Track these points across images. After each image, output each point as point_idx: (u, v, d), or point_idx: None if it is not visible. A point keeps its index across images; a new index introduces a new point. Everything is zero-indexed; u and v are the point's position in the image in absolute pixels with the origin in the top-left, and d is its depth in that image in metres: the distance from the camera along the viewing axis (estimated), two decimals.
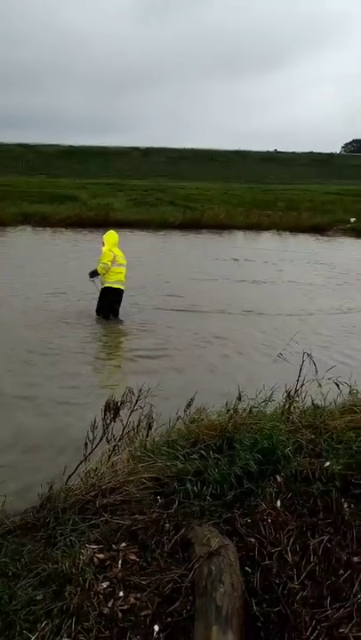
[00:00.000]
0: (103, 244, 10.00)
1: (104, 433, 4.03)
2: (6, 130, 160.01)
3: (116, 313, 10.05)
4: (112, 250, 9.85)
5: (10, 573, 2.86)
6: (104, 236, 10.19)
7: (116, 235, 10.19)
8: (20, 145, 71.50)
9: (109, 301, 9.98)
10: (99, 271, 9.89)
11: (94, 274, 10.00)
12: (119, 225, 23.68)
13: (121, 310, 10.11)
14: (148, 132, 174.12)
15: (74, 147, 73.88)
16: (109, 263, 9.77)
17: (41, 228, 23.80)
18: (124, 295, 10.04)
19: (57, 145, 73.39)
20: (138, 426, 4.27)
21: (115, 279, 9.87)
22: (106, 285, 9.95)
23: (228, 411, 4.45)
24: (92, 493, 3.49)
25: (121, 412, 4.15)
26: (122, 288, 9.98)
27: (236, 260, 17.55)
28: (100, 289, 10.01)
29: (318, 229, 26.96)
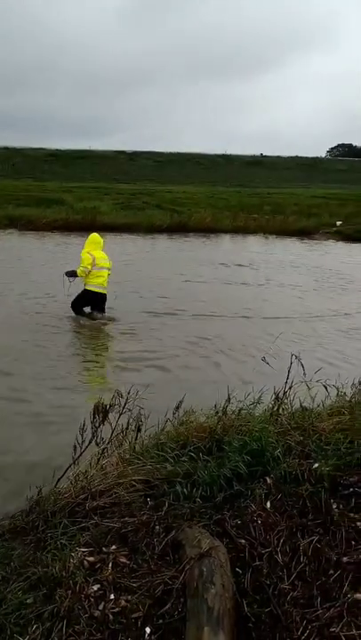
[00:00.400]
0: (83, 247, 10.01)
1: (93, 436, 4.01)
2: None
3: (103, 311, 10.05)
4: (92, 252, 9.82)
5: None
6: (88, 238, 10.20)
7: (98, 237, 10.16)
8: (5, 148, 71.15)
9: (88, 305, 9.98)
10: (78, 274, 9.86)
11: (72, 274, 9.96)
12: (106, 229, 23.73)
13: (110, 313, 10.11)
14: (133, 134, 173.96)
15: (60, 150, 73.61)
16: (89, 266, 9.75)
17: (28, 232, 23.70)
18: (112, 297, 10.03)
19: (43, 149, 73.13)
20: (127, 428, 4.26)
21: (95, 282, 9.87)
22: (86, 288, 9.93)
23: (217, 413, 4.46)
24: (82, 496, 3.48)
25: (110, 415, 4.14)
26: (103, 292, 9.97)
27: (225, 264, 17.52)
28: (67, 290, 9.93)
29: (305, 233, 27.13)
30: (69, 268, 10.13)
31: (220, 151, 77.86)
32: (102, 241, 10.17)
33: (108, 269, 10.02)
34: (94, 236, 10.18)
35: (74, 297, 10.01)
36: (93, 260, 9.76)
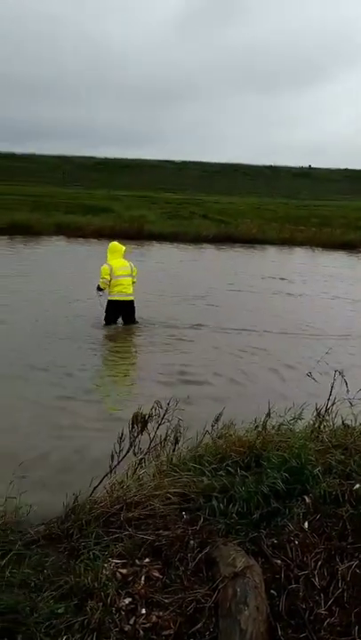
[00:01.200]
0: None
1: (131, 445, 4.00)
2: (42, 141, 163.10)
3: (133, 322, 10.12)
4: (110, 262, 9.92)
5: (32, 584, 2.84)
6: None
7: (117, 245, 10.22)
8: (56, 157, 72.68)
9: (115, 314, 10.06)
10: (101, 287, 10.00)
11: (99, 288, 10.08)
12: (153, 237, 23.92)
13: (153, 324, 10.13)
14: (181, 146, 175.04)
15: (109, 159, 74.82)
16: (107, 276, 9.85)
17: (75, 239, 24.05)
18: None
19: (92, 157, 74.42)
20: (165, 439, 4.23)
21: (115, 291, 9.96)
22: (108, 299, 10.04)
23: (257, 427, 4.38)
24: (117, 506, 3.45)
25: (148, 426, 4.12)
26: (126, 300, 10.02)
27: (276, 277, 17.20)
28: (102, 303, 10.08)
29: (351, 246, 26.70)
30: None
31: (266, 162, 77.58)
32: (123, 248, 10.18)
33: (130, 276, 10.04)
34: (113, 244, 10.26)
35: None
36: (111, 270, 9.85)
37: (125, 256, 10.27)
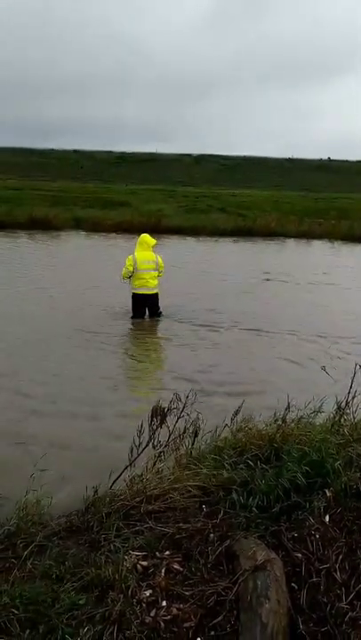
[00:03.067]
0: None
1: (150, 438, 4.00)
2: (63, 137, 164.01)
3: (156, 314, 10.18)
4: (135, 254, 9.94)
5: (53, 576, 2.86)
6: None
7: (147, 237, 10.23)
8: (74, 151, 72.91)
9: (139, 308, 10.14)
10: (122, 276, 10.06)
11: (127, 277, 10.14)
12: (170, 231, 23.87)
13: (176, 319, 10.18)
14: (201, 140, 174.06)
15: (126, 153, 74.86)
16: (130, 267, 9.88)
17: (93, 233, 24.13)
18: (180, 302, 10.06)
19: (110, 152, 74.51)
20: (184, 433, 4.23)
21: (138, 284, 10.02)
22: (133, 292, 10.11)
23: (277, 420, 4.36)
24: (137, 499, 3.46)
25: (167, 419, 4.12)
26: (147, 293, 10.07)
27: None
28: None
29: None
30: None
31: (286, 155, 77.00)
32: (153, 242, 10.16)
33: (154, 270, 10.04)
34: (143, 237, 10.25)
35: None
36: (135, 262, 9.86)
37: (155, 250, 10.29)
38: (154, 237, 10.33)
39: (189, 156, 75.92)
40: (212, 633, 2.52)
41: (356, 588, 2.68)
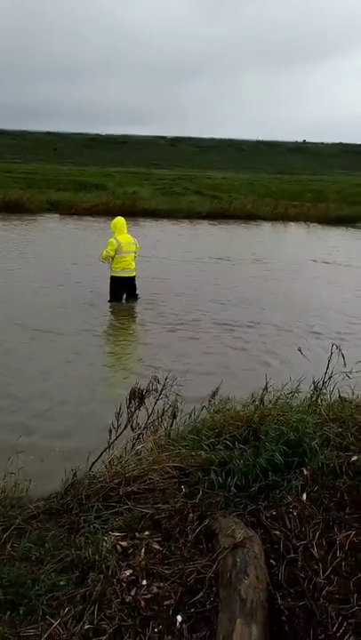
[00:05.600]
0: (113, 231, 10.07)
1: (129, 421, 4.01)
2: (39, 120, 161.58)
3: (133, 297, 10.16)
4: (118, 237, 9.88)
5: (33, 558, 2.86)
6: (111, 222, 10.26)
7: (122, 220, 10.21)
8: (47, 133, 71.77)
9: (119, 291, 10.09)
10: (101, 258, 10.01)
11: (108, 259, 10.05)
12: (147, 214, 23.69)
13: (157, 301, 10.18)
14: (179, 123, 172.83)
15: (101, 135, 73.95)
16: (112, 252, 9.81)
17: (68, 216, 23.84)
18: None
19: (84, 133, 73.48)
20: (162, 414, 4.24)
21: (119, 267, 9.97)
22: (112, 275, 10.06)
23: (254, 401, 4.39)
24: (116, 481, 3.47)
25: (146, 401, 4.12)
26: (129, 275, 10.07)
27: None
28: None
29: (346, 221, 26.59)
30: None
31: (262, 138, 76.81)
32: (126, 224, 10.19)
33: (134, 252, 10.04)
34: (119, 219, 10.23)
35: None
36: (119, 246, 9.80)
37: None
38: (129, 221, 10.30)
39: (164, 138, 75.28)
40: (193, 610, 2.55)
41: (333, 564, 2.72)
